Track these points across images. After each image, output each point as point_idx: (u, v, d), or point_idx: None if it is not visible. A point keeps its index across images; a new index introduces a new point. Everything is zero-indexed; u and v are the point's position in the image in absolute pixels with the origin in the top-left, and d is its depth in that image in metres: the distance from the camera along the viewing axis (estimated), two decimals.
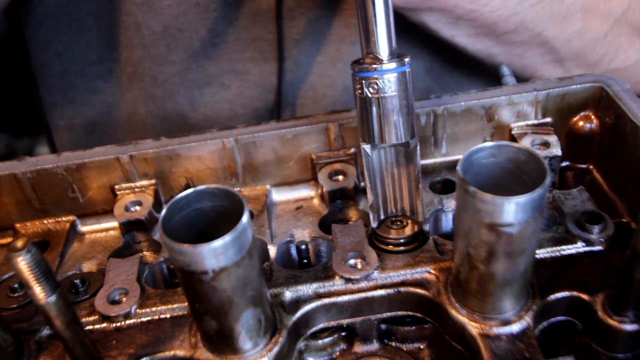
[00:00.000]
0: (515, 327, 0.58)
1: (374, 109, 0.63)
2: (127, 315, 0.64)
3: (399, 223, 0.70)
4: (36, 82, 1.21)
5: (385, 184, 0.69)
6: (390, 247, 0.69)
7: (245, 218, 0.51)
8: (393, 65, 0.61)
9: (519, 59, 0.96)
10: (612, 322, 0.57)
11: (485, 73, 1.07)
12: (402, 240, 0.69)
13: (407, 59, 0.62)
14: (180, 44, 1.08)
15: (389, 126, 0.63)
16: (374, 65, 0.61)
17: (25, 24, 1.14)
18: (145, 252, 0.78)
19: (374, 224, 0.70)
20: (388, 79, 0.61)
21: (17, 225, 0.80)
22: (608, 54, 0.98)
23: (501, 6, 0.86)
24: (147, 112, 1.15)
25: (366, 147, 0.66)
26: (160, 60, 1.09)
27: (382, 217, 0.71)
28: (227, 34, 1.07)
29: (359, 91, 0.63)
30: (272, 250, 0.73)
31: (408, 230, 0.69)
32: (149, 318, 0.64)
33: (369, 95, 0.62)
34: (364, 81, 0.62)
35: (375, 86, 0.61)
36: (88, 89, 1.16)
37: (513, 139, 0.78)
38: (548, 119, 0.79)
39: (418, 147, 0.66)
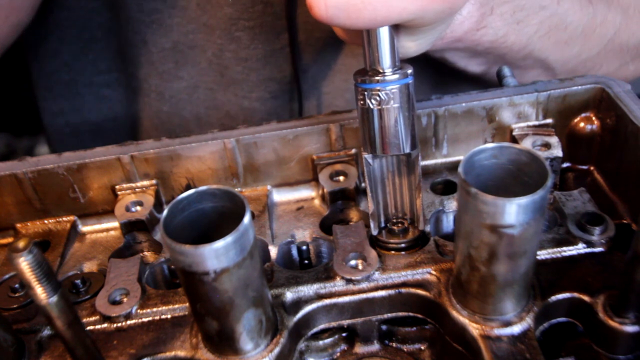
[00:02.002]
0: (516, 328, 0.58)
1: (376, 121, 0.62)
2: (128, 316, 0.64)
3: (399, 225, 0.70)
4: (40, 89, 1.20)
5: (386, 192, 0.69)
6: (392, 252, 0.69)
7: (246, 219, 0.51)
8: (396, 77, 0.61)
9: (519, 77, 0.99)
10: (613, 324, 0.57)
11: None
12: (402, 245, 0.68)
13: (409, 71, 0.61)
14: (189, 60, 1.07)
15: (390, 137, 0.63)
16: (377, 77, 0.61)
17: (32, 33, 1.13)
18: (146, 253, 0.78)
19: (374, 232, 0.70)
20: (390, 91, 0.61)
21: (18, 225, 0.80)
22: (594, 68, 1.03)
23: (515, 41, 0.89)
24: (152, 126, 1.15)
25: (368, 157, 0.66)
26: (168, 76, 1.09)
27: (383, 224, 0.71)
28: (235, 72, 1.07)
29: (361, 102, 0.62)
30: (273, 251, 0.73)
31: (409, 235, 0.69)
32: (150, 318, 0.64)
33: (371, 106, 0.62)
34: (366, 92, 0.61)
35: (378, 98, 0.61)
36: (96, 97, 1.16)
37: (514, 140, 0.78)
38: (549, 120, 0.79)
39: (419, 157, 0.66)
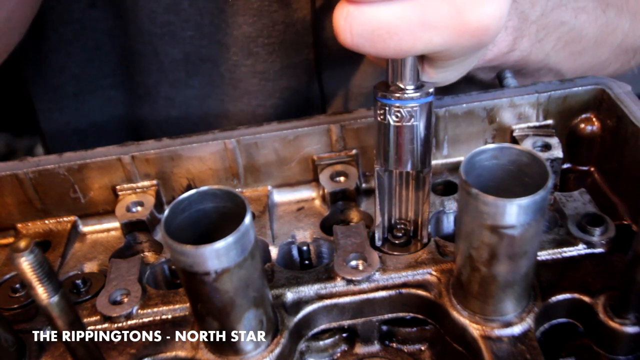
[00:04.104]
0: (516, 329, 0.58)
1: (393, 136, 0.62)
2: (128, 316, 0.65)
3: (402, 228, 0.70)
4: (43, 103, 1.19)
5: (392, 203, 0.69)
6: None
7: (247, 219, 0.51)
8: (418, 95, 0.60)
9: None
10: (614, 324, 0.58)
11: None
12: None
13: (431, 90, 0.61)
14: (200, 71, 1.06)
15: (406, 154, 0.63)
16: (397, 94, 0.60)
17: (34, 51, 1.12)
18: (146, 253, 0.78)
19: (378, 244, 0.70)
20: (412, 109, 0.60)
21: (19, 225, 0.80)
22: (601, 70, 1.04)
23: (535, 58, 0.90)
24: (159, 130, 1.14)
25: (379, 170, 0.66)
26: (178, 84, 1.08)
27: (386, 235, 0.71)
28: (250, 84, 1.07)
29: (381, 117, 0.62)
30: (274, 252, 0.73)
31: (411, 248, 0.69)
32: (150, 319, 0.64)
33: (391, 122, 0.61)
34: (387, 108, 0.61)
35: (399, 114, 0.61)
36: (100, 98, 1.16)
37: (514, 140, 0.78)
38: (549, 121, 0.79)
39: (430, 174, 0.66)
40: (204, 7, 0.99)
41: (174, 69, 1.07)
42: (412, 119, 0.61)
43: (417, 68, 0.60)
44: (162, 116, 1.13)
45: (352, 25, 0.53)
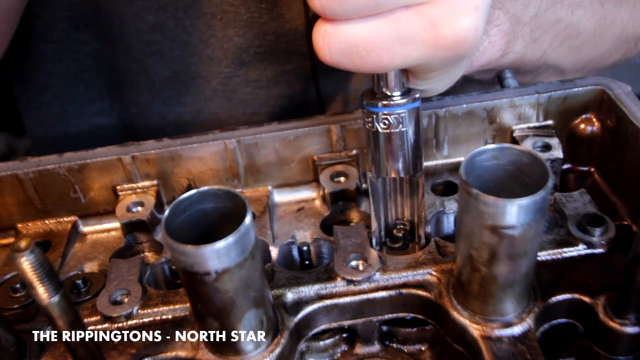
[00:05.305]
0: (516, 329, 0.58)
1: (383, 143, 0.62)
2: (129, 316, 0.65)
3: (401, 229, 0.70)
4: (29, 121, 1.18)
5: (388, 208, 0.69)
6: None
7: (248, 219, 0.51)
8: (404, 101, 0.60)
9: (530, 81, 0.99)
10: (614, 325, 0.58)
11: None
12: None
13: (417, 95, 0.61)
14: (191, 89, 1.06)
15: (397, 160, 0.63)
16: (385, 102, 0.60)
17: (19, 67, 1.11)
18: (146, 253, 0.78)
19: (376, 248, 0.70)
20: (400, 115, 0.60)
21: (19, 225, 0.80)
22: (602, 62, 1.03)
23: (532, 57, 0.90)
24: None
25: (372, 176, 0.66)
26: (170, 101, 1.08)
27: (383, 240, 0.71)
28: (244, 93, 1.06)
29: (369, 124, 0.62)
30: (274, 252, 0.73)
31: (409, 252, 0.69)
32: (150, 319, 0.65)
33: (379, 129, 0.61)
34: (374, 115, 0.61)
35: (387, 122, 0.61)
36: (89, 126, 1.14)
37: (514, 141, 0.78)
38: (549, 122, 0.79)
39: (423, 178, 0.66)
40: (191, 25, 0.98)
41: (165, 87, 1.06)
42: (401, 125, 0.61)
43: (401, 77, 0.60)
44: (155, 133, 1.12)
45: (330, 44, 0.54)
